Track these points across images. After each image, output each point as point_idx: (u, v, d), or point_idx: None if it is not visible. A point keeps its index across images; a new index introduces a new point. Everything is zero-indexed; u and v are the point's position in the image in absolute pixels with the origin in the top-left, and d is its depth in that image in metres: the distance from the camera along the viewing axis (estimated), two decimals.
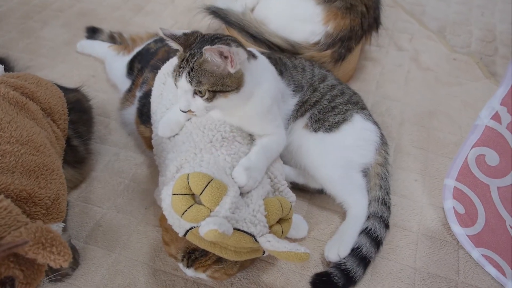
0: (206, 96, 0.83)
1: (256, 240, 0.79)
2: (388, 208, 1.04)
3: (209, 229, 0.70)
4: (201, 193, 0.78)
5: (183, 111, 0.87)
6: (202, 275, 0.88)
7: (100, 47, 1.51)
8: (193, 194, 0.80)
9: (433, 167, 1.19)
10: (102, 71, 1.47)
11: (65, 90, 1.11)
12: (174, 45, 0.89)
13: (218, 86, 0.82)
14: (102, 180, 1.14)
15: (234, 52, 0.80)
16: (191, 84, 0.83)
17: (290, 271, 0.96)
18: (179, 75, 0.84)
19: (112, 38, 1.53)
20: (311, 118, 1.08)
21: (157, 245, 1.00)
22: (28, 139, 0.86)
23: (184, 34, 0.88)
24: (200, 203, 0.79)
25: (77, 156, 1.08)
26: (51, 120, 1.00)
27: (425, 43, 1.64)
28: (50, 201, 0.82)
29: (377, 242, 0.98)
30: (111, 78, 1.42)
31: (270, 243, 0.78)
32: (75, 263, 0.95)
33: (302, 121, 1.08)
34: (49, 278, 0.83)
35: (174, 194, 0.80)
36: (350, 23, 1.27)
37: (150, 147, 1.12)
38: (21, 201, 0.77)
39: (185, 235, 0.81)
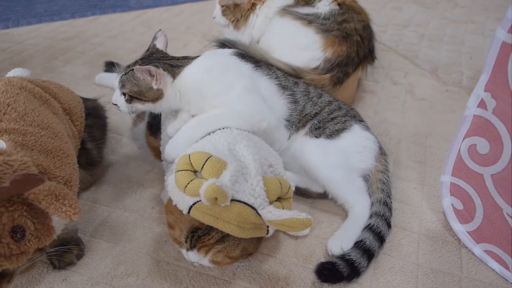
0: (126, 98, 1.04)
1: (258, 213, 0.82)
2: (390, 209, 1.07)
3: (208, 184, 0.74)
4: (202, 168, 0.83)
5: (112, 103, 1.07)
6: (204, 261, 0.88)
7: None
8: (195, 171, 0.86)
9: (431, 178, 1.23)
10: None
11: (84, 99, 1.20)
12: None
13: (136, 94, 1.03)
14: (111, 183, 1.18)
15: (160, 73, 1.00)
16: (118, 84, 1.04)
17: (292, 263, 0.97)
18: (118, 73, 1.06)
19: None
20: (311, 127, 1.14)
21: (161, 239, 1.02)
22: (48, 125, 0.94)
23: (154, 47, 1.12)
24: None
25: (89, 158, 1.14)
26: (69, 119, 1.08)
27: (418, 79, 1.75)
28: (63, 181, 0.87)
29: (380, 237, 0.99)
30: None
31: (271, 213, 0.80)
32: (80, 253, 0.97)
33: (303, 131, 1.15)
34: (48, 253, 0.84)
35: (177, 171, 0.85)
36: (346, 50, 1.39)
37: (158, 157, 1.19)
38: None
39: (189, 212, 0.84)
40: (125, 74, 1.03)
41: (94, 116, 1.19)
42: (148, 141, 1.26)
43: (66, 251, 0.94)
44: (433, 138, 1.40)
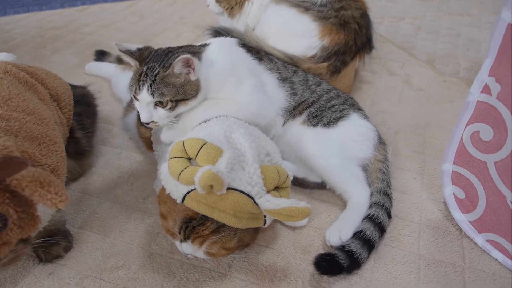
0: (168, 106, 0.91)
1: (255, 202, 0.78)
2: (390, 199, 1.04)
3: (203, 171, 0.70)
4: (197, 154, 0.80)
5: (145, 123, 0.93)
6: (199, 252, 0.85)
7: (107, 67, 1.59)
8: (189, 159, 0.82)
9: (431, 168, 1.20)
10: (108, 88, 1.53)
11: (73, 86, 1.15)
12: (129, 59, 0.94)
13: (179, 95, 0.91)
14: (101, 174, 1.14)
15: (194, 61, 0.90)
16: (153, 96, 0.89)
17: (290, 255, 0.93)
18: (139, 88, 0.90)
19: (120, 61, 1.61)
20: (308, 115, 1.11)
21: (153, 230, 0.98)
22: (33, 111, 0.89)
23: (138, 49, 0.95)
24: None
25: (78, 147, 1.10)
26: (57, 106, 1.03)
27: (415, 69, 1.73)
28: (50, 170, 0.83)
29: (380, 228, 0.96)
30: (116, 93, 1.48)
31: (269, 202, 0.77)
32: (68, 244, 0.92)
33: (300, 118, 1.12)
34: (34, 245, 0.78)
35: (171, 158, 0.81)
36: (344, 38, 1.36)
37: (150, 147, 1.15)
38: None
39: (183, 201, 0.80)
40: (154, 82, 0.88)
41: (83, 103, 1.15)
42: (139, 131, 1.22)
43: (53, 243, 0.89)
44: (432, 128, 1.38)
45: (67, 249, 0.92)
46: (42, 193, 0.65)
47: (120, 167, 1.17)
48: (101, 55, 1.66)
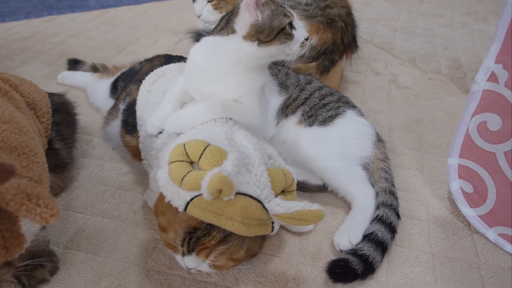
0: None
1: (264, 207, 0.72)
2: (396, 198, 1.00)
3: (213, 174, 0.64)
4: (200, 158, 0.73)
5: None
6: (204, 266, 0.77)
7: (81, 77, 1.49)
8: (191, 162, 0.75)
9: (430, 164, 1.18)
10: (84, 98, 1.43)
11: (50, 93, 1.06)
12: None
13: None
14: (85, 188, 1.04)
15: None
16: None
17: (299, 262, 0.87)
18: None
19: (95, 69, 1.52)
20: (303, 114, 1.06)
21: (148, 245, 0.89)
22: (10, 119, 0.80)
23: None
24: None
25: (58, 160, 1.00)
26: (34, 115, 0.94)
27: (399, 69, 1.72)
28: None
29: (391, 228, 0.91)
30: (94, 102, 1.38)
31: (280, 206, 0.71)
32: (54, 265, 0.82)
33: (294, 118, 1.07)
34: (17, 268, 0.69)
35: (171, 163, 0.74)
36: (332, 37, 1.33)
37: (136, 157, 1.07)
38: None
39: (186, 209, 0.73)
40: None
41: (62, 112, 1.05)
42: (124, 141, 1.13)
43: (37, 266, 0.79)
44: (424, 124, 1.36)
45: (53, 271, 0.82)
46: (30, 207, 0.56)
47: (104, 180, 1.07)
48: (74, 64, 1.56)
